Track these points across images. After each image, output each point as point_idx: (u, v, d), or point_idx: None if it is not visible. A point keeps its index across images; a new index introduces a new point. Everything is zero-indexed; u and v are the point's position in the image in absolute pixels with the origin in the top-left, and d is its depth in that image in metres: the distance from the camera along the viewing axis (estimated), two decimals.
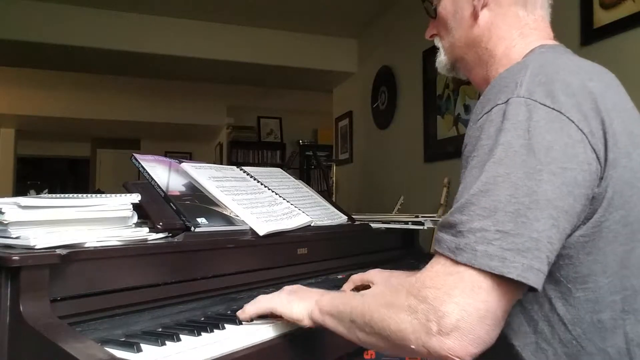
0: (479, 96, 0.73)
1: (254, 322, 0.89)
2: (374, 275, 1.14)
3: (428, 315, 0.59)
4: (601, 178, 0.63)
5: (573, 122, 0.62)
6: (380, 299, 0.68)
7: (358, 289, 1.15)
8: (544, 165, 0.60)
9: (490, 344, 0.59)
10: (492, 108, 0.65)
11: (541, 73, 0.66)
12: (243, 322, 0.88)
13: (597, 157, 0.63)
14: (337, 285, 1.20)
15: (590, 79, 0.68)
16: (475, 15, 0.83)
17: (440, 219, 0.65)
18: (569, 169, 0.61)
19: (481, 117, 0.67)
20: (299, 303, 0.83)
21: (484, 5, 0.82)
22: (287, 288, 0.91)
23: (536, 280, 0.58)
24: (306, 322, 0.82)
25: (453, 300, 0.58)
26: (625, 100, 0.74)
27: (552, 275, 0.64)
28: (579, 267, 0.64)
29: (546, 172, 0.60)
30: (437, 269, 0.62)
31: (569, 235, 0.63)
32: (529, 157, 0.60)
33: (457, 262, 0.60)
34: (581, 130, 0.62)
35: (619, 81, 0.76)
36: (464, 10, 0.84)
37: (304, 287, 0.91)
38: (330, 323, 0.76)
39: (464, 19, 0.84)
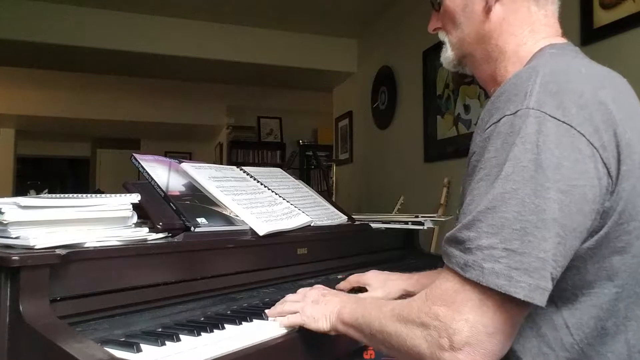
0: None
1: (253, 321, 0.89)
2: (371, 277, 1.14)
3: (440, 332, 0.60)
4: (612, 192, 0.62)
5: (584, 136, 0.60)
6: (396, 313, 0.69)
7: (354, 290, 1.15)
8: (552, 182, 0.58)
9: (502, 355, 0.60)
10: (501, 119, 0.64)
11: (552, 81, 0.63)
12: (242, 322, 0.89)
13: (609, 172, 0.61)
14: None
15: (603, 86, 0.66)
16: (487, 10, 0.79)
17: (447, 234, 0.65)
18: (578, 186, 0.59)
19: (489, 127, 0.65)
20: (323, 317, 0.85)
21: (497, 0, 0.79)
22: (310, 296, 0.90)
23: (542, 299, 0.58)
24: (332, 333, 0.84)
25: (463, 317, 0.59)
26: (637, 106, 0.72)
27: (558, 283, 0.63)
28: (585, 275, 0.64)
29: (554, 190, 0.58)
30: (446, 286, 0.62)
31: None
32: (537, 174, 0.59)
33: (465, 279, 0.60)
34: (592, 144, 0.60)
35: (630, 86, 0.73)
36: (475, 4, 0.80)
37: (326, 292, 0.91)
38: (354, 334, 0.79)
39: (475, 14, 0.81)
